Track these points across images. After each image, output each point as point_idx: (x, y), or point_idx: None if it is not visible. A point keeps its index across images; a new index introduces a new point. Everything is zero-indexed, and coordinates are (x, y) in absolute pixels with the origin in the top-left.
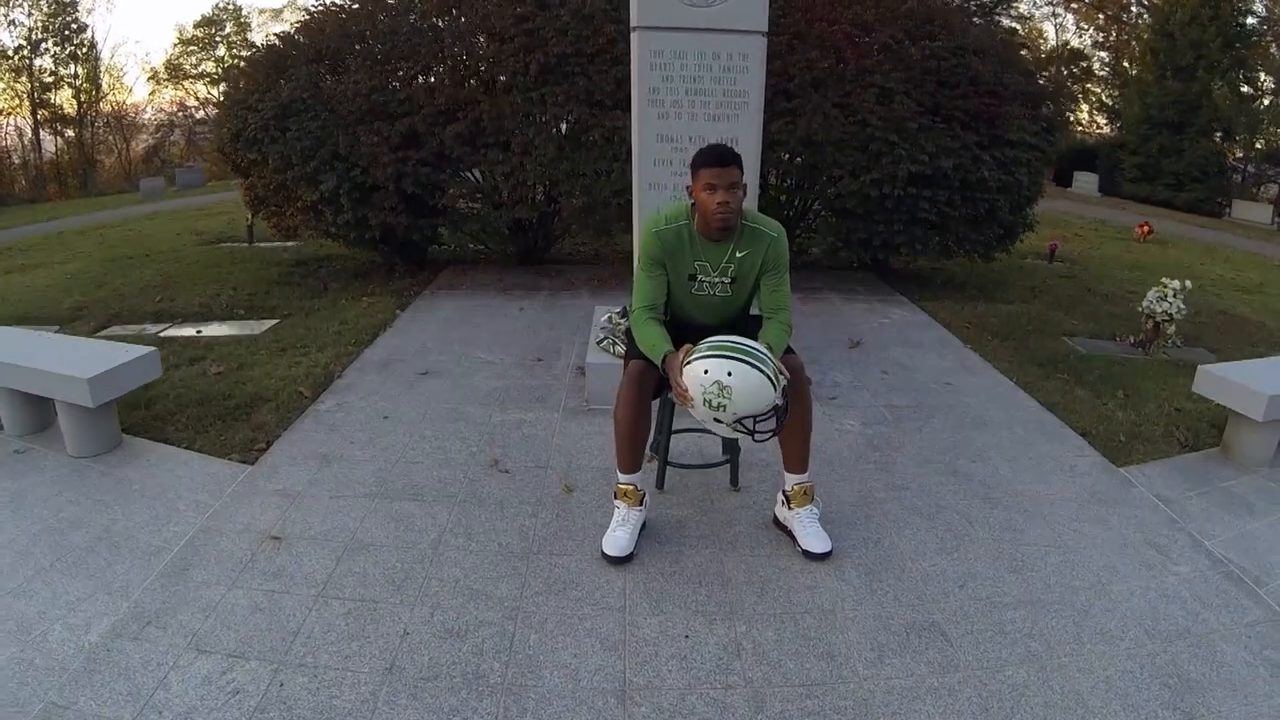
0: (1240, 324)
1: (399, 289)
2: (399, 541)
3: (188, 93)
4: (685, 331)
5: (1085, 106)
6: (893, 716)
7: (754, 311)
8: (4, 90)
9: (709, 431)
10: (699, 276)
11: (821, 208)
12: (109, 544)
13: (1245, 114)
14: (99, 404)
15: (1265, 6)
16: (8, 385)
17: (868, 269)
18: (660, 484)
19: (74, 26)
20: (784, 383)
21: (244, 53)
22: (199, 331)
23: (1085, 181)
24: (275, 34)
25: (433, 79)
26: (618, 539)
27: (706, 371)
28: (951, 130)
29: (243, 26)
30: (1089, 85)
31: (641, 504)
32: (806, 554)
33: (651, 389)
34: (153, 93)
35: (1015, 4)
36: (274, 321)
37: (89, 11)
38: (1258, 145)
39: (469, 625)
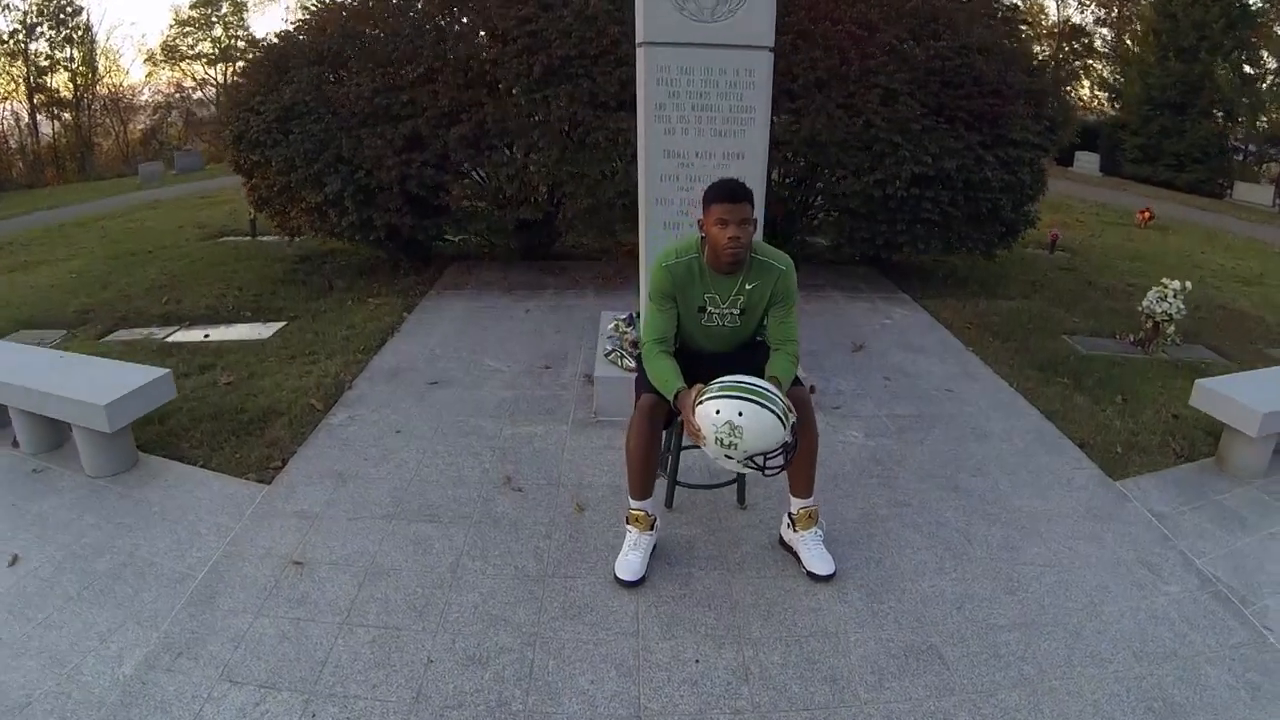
0: (1240, 319)
1: (404, 288)
2: (418, 566)
3: (184, 73)
4: (695, 360)
5: (1086, 82)
6: None
7: (760, 338)
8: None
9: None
10: (709, 308)
11: (824, 204)
12: (134, 570)
13: (1248, 95)
14: (116, 430)
15: None
16: (24, 408)
17: (870, 264)
18: (669, 503)
19: (69, 10)
20: (793, 420)
21: (240, 32)
22: (207, 336)
23: (1087, 161)
24: (276, 33)
25: (436, 82)
26: (630, 563)
27: (719, 412)
28: (955, 131)
29: (238, 6)
30: (1090, 61)
31: (652, 528)
32: (811, 575)
33: (662, 421)
34: (149, 74)
35: None
36: (281, 324)
37: None
38: (1260, 124)
39: (490, 652)
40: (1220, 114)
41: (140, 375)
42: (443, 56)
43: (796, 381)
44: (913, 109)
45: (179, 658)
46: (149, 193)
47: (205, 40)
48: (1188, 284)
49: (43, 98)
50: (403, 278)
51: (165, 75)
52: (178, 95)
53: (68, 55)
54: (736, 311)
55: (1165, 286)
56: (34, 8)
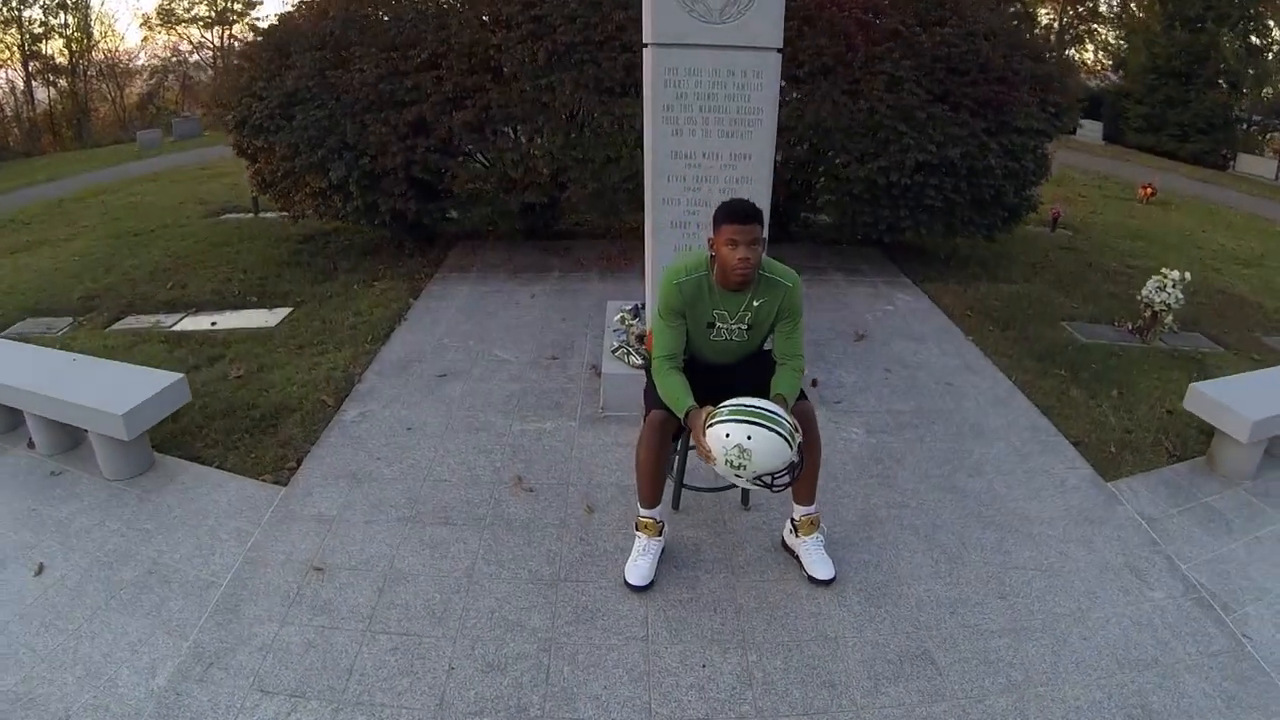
0: (1238, 305)
1: (410, 270)
2: (434, 570)
3: (181, 36)
4: (702, 371)
5: (1091, 46)
6: None
7: (767, 347)
8: None
9: None
10: (718, 324)
11: (826, 185)
12: (159, 578)
13: (1254, 66)
14: (134, 437)
15: None
16: (41, 414)
17: (873, 244)
18: (676, 504)
19: None
20: (799, 440)
21: None
22: (214, 323)
23: (1090, 129)
24: (276, 14)
25: (440, 68)
26: (640, 568)
27: (728, 435)
28: (960, 118)
29: None
30: (1095, 26)
31: (660, 534)
32: (812, 579)
33: (671, 434)
34: (145, 38)
35: None
36: (288, 310)
37: None
38: (1266, 94)
39: (508, 658)
40: (1225, 85)
41: (156, 381)
42: (446, 42)
43: (802, 395)
44: (917, 96)
45: (210, 668)
46: (148, 163)
47: (201, 3)
48: (1187, 275)
49: (38, 64)
50: (407, 259)
51: (161, 39)
52: (174, 59)
53: (62, 21)
54: (744, 327)
55: (1165, 276)
56: None
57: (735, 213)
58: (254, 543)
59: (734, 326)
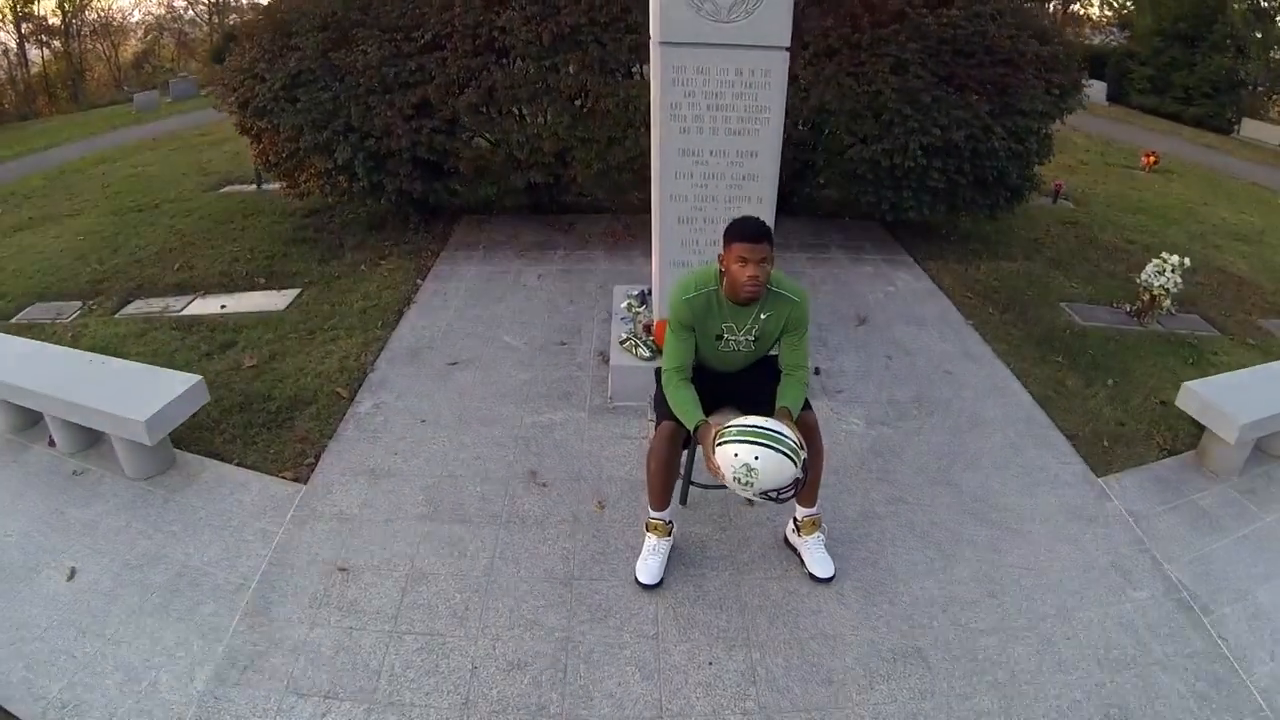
0: (1236, 285)
1: (416, 247)
2: (454, 569)
3: None
4: (711, 378)
5: (1095, 1)
6: None
7: (772, 353)
8: None
9: None
10: (726, 336)
11: (828, 164)
12: (189, 581)
13: (1261, 29)
14: (156, 441)
15: None
16: (63, 418)
17: (875, 220)
18: (683, 500)
19: None
20: (804, 456)
21: None
22: (223, 306)
23: (1095, 89)
24: None
25: (445, 50)
26: (650, 567)
27: (736, 455)
28: (965, 100)
29: None
30: None
31: (669, 534)
32: (813, 577)
33: (681, 444)
34: None
35: None
36: (296, 291)
37: None
38: (1273, 58)
39: (527, 657)
40: (1232, 48)
41: (176, 384)
42: (450, 23)
43: (806, 405)
44: (923, 79)
45: (245, 671)
46: (147, 128)
47: None
48: (1186, 260)
49: (30, 26)
50: (413, 234)
51: None
52: (169, 15)
53: None
54: (751, 339)
55: (1164, 261)
56: None
57: (746, 232)
58: (279, 543)
59: (742, 338)
